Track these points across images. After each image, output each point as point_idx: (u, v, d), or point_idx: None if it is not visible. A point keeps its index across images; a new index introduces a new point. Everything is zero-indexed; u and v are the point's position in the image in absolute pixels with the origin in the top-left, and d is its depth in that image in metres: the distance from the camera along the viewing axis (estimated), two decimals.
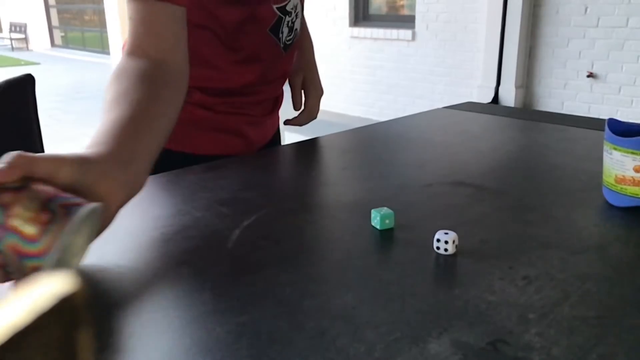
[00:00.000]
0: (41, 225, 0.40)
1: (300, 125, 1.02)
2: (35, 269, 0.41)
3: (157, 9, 0.66)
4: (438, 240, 0.51)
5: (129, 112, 0.55)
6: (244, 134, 0.92)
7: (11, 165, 0.41)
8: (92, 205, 0.43)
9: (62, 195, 0.43)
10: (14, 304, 0.15)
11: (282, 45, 0.88)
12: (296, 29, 0.90)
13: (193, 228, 0.57)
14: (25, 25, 15.70)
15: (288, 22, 0.87)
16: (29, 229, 0.40)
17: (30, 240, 0.40)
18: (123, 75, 0.61)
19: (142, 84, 0.60)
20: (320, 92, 1.04)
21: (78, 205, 0.42)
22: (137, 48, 0.65)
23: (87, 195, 0.45)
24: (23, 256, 0.40)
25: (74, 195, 0.44)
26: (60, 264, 0.41)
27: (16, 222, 0.40)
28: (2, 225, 0.40)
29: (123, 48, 0.90)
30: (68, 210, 0.42)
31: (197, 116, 0.86)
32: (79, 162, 0.45)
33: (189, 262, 0.50)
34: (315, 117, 1.04)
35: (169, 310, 0.42)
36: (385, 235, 0.55)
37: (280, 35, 0.86)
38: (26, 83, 0.99)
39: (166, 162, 0.85)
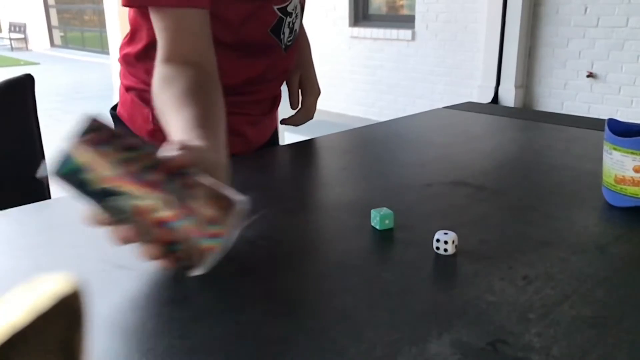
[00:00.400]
0: (219, 209, 0.44)
1: (297, 124, 1.02)
2: (207, 250, 0.44)
3: (192, 14, 0.70)
4: (438, 241, 0.51)
5: (199, 111, 0.60)
6: (243, 134, 0.92)
7: (187, 152, 0.46)
8: (245, 197, 0.47)
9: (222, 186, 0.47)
10: (13, 304, 0.15)
11: (283, 47, 0.88)
12: (296, 30, 0.90)
13: None
14: (24, 25, 15.70)
15: (289, 23, 0.87)
16: (210, 212, 0.43)
17: (210, 222, 0.43)
18: (174, 81, 0.66)
19: (194, 87, 0.65)
20: (317, 91, 1.04)
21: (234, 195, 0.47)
22: (175, 54, 0.70)
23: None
24: (199, 237, 0.43)
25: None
26: (223, 247, 0.45)
27: (198, 204, 0.43)
28: (184, 206, 0.43)
29: (121, 49, 0.90)
30: (233, 197, 0.45)
31: None
32: (206, 151, 0.51)
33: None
34: (312, 117, 1.03)
35: (169, 310, 0.42)
36: (385, 235, 0.55)
37: (282, 36, 0.86)
38: (26, 83, 0.99)
39: None
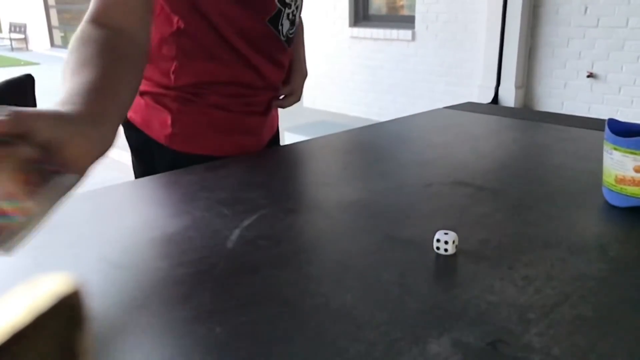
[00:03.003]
0: (23, 185, 0.39)
1: (284, 107, 1.00)
2: (4, 228, 0.39)
3: None
4: (438, 241, 0.51)
5: (96, 76, 0.55)
6: (258, 132, 0.93)
7: (5, 120, 0.40)
8: (73, 175, 0.42)
9: (45, 160, 0.42)
10: (13, 304, 0.15)
11: (283, 38, 0.87)
12: (297, 22, 0.90)
13: (193, 228, 0.57)
14: (24, 26, 15.70)
15: (288, 14, 0.86)
16: (11, 187, 0.38)
17: (9, 197, 0.38)
18: (87, 42, 0.60)
19: (106, 52, 0.59)
20: (304, 73, 1.03)
21: (58, 171, 0.42)
22: (102, 15, 0.64)
23: (62, 151, 0.44)
24: None
25: (53, 161, 0.43)
26: (28, 227, 0.40)
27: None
28: None
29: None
30: (50, 175, 0.41)
31: (214, 118, 0.87)
32: (57, 118, 0.45)
33: (189, 262, 0.50)
34: (299, 99, 1.03)
35: (169, 310, 0.42)
36: (385, 235, 0.55)
37: (280, 27, 0.86)
38: (26, 83, 0.99)
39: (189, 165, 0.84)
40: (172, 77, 0.84)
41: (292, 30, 0.89)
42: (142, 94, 0.89)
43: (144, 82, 0.89)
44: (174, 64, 0.83)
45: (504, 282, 0.46)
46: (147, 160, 0.90)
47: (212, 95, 0.86)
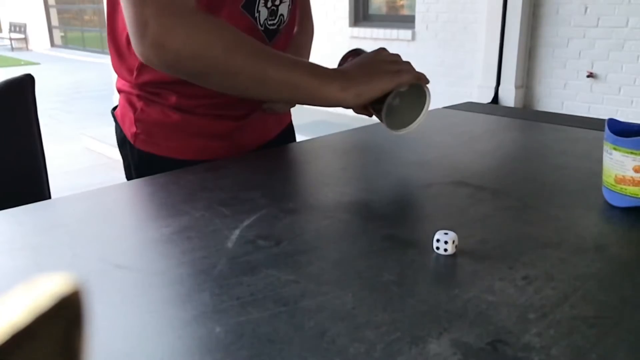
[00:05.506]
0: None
1: (279, 112, 0.96)
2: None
3: None
4: (438, 241, 0.51)
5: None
6: (231, 137, 0.89)
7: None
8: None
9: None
10: (11, 305, 0.15)
11: (261, 28, 0.83)
12: (281, 14, 0.86)
13: (193, 228, 0.57)
14: (25, 25, 15.70)
15: (267, 2, 0.82)
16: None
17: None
18: (242, 35, 0.72)
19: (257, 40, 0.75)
20: None
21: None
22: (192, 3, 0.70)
23: None
24: None
25: None
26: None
27: None
28: None
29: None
30: None
31: (175, 120, 0.84)
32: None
33: (189, 262, 0.50)
34: (294, 106, 1.00)
35: (169, 310, 0.42)
36: (385, 235, 0.55)
37: (257, 14, 0.81)
38: (26, 83, 0.99)
39: (153, 168, 0.81)
40: (135, 74, 0.83)
41: (273, 22, 0.84)
42: (119, 91, 0.90)
43: (119, 79, 0.89)
44: (139, 61, 0.77)
45: (504, 282, 0.46)
46: (125, 156, 0.91)
47: (172, 95, 0.83)
